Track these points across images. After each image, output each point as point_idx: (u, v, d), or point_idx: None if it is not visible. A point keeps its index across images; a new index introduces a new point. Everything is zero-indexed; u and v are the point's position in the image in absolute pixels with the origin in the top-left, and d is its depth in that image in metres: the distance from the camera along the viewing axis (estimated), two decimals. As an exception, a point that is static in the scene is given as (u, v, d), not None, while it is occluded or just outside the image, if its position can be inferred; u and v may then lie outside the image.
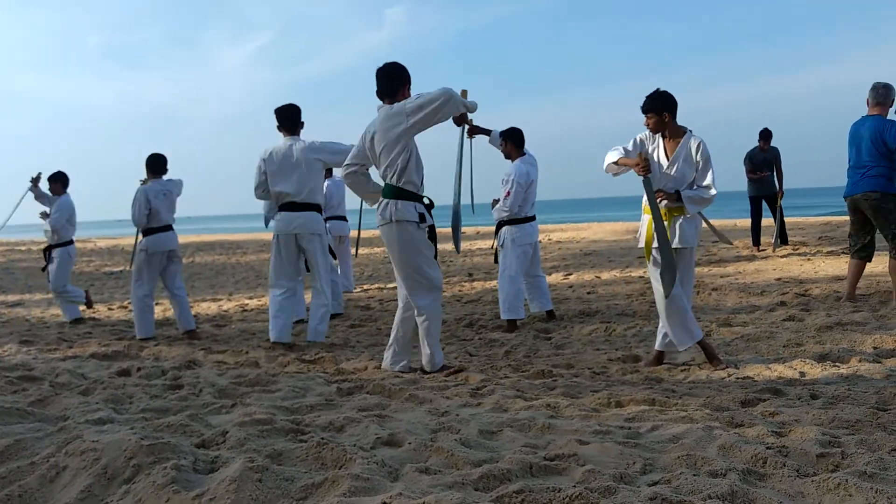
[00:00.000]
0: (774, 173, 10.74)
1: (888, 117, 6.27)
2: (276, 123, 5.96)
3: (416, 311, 4.65)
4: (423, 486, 2.16)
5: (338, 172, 7.40)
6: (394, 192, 4.55)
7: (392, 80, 4.59)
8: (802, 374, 4.22)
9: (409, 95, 4.59)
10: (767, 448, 2.53)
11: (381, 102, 4.63)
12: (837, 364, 4.43)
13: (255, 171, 5.94)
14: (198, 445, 2.71)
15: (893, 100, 6.29)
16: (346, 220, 8.78)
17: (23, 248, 22.67)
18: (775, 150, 10.74)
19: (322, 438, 2.61)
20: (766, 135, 10.69)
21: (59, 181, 8.03)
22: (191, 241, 24.69)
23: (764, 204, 10.93)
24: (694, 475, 2.27)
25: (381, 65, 4.63)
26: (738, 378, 4.22)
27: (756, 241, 11.02)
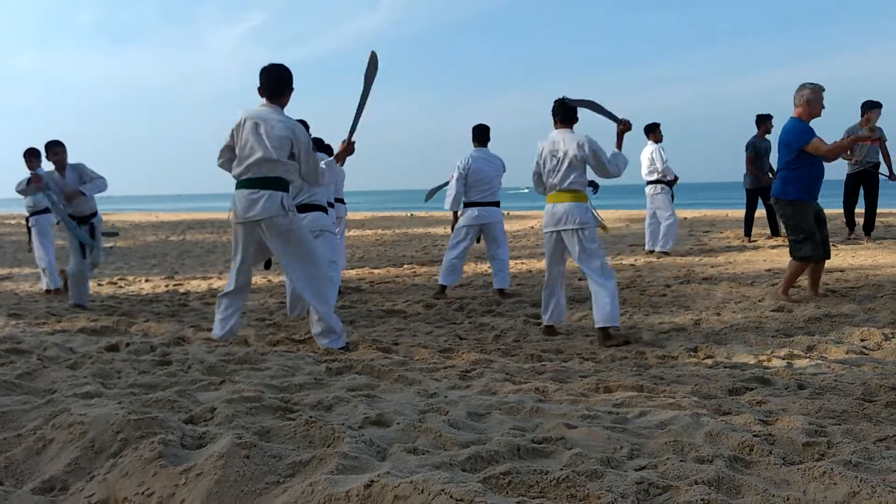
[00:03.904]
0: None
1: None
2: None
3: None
4: (410, 466, 2.17)
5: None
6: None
7: (282, 81, 4.77)
8: (790, 364, 4.24)
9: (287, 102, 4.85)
10: (754, 436, 2.55)
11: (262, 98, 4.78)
12: (825, 355, 4.46)
13: None
14: (186, 421, 2.70)
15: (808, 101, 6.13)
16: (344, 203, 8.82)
17: (11, 221, 22.51)
18: (768, 141, 10.71)
19: (310, 417, 2.60)
20: (765, 118, 10.62)
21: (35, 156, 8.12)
22: (182, 219, 24.60)
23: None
24: (681, 461, 2.28)
25: (273, 64, 4.80)
26: (726, 367, 4.24)
27: (748, 232, 11.06)
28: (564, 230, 5.30)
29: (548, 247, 5.49)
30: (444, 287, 7.61)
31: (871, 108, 10.17)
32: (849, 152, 10.27)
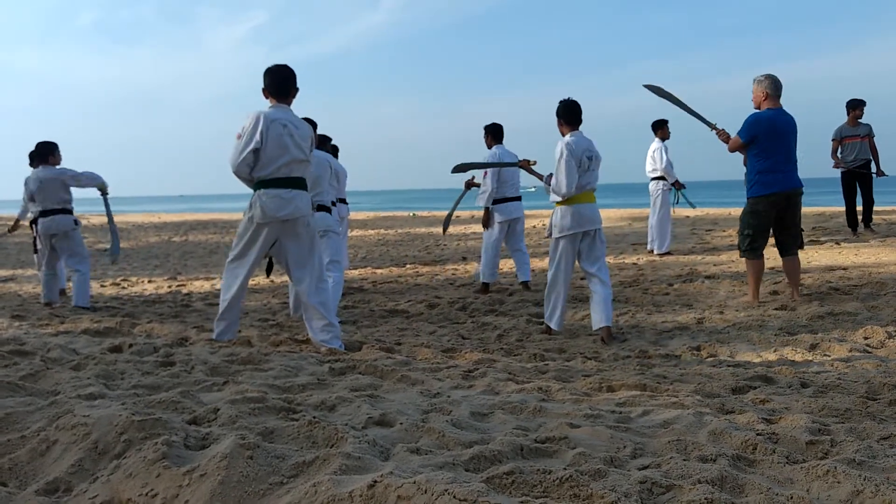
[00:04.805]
0: None
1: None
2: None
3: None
4: (414, 466, 2.17)
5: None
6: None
7: (289, 81, 4.80)
8: (793, 362, 4.24)
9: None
10: (757, 435, 2.54)
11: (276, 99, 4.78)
12: (828, 353, 4.45)
13: None
14: (189, 422, 2.70)
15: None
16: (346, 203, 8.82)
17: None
18: None
19: (314, 417, 2.61)
20: None
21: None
22: (184, 220, 24.63)
23: None
24: (684, 460, 2.28)
25: (278, 65, 4.80)
26: (729, 365, 4.24)
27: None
28: (590, 230, 5.37)
29: (570, 250, 5.41)
30: (487, 285, 7.67)
31: (855, 106, 10.34)
32: (838, 156, 10.44)
